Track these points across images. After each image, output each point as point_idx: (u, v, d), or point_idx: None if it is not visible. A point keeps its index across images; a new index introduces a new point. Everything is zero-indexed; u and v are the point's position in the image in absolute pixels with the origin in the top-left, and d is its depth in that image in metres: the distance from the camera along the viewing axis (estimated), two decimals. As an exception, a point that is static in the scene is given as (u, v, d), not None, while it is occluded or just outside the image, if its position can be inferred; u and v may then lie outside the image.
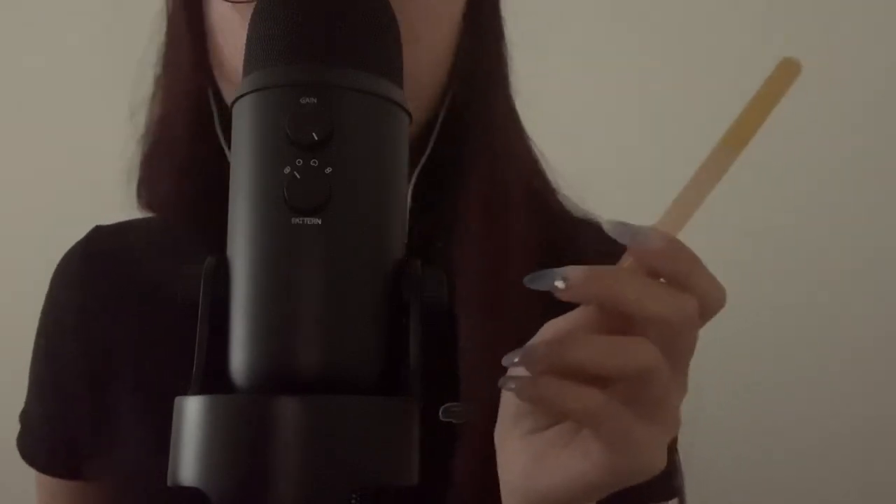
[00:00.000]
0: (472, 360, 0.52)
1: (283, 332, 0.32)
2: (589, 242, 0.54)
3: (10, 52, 1.41)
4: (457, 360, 0.53)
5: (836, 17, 1.29)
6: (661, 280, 0.38)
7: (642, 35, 1.32)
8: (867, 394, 1.28)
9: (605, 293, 0.37)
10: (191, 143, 0.58)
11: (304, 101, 0.33)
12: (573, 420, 0.39)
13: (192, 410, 0.31)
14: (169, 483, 0.31)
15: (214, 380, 0.33)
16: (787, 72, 0.41)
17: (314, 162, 0.32)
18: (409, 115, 0.36)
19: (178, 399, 0.32)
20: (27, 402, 0.69)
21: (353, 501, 0.40)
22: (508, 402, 0.42)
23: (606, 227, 0.38)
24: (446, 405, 0.48)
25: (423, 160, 0.54)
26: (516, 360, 0.37)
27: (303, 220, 0.32)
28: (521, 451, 0.41)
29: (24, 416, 0.69)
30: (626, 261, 0.39)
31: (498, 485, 0.43)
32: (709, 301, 0.38)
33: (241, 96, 0.35)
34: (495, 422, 0.43)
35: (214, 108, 0.56)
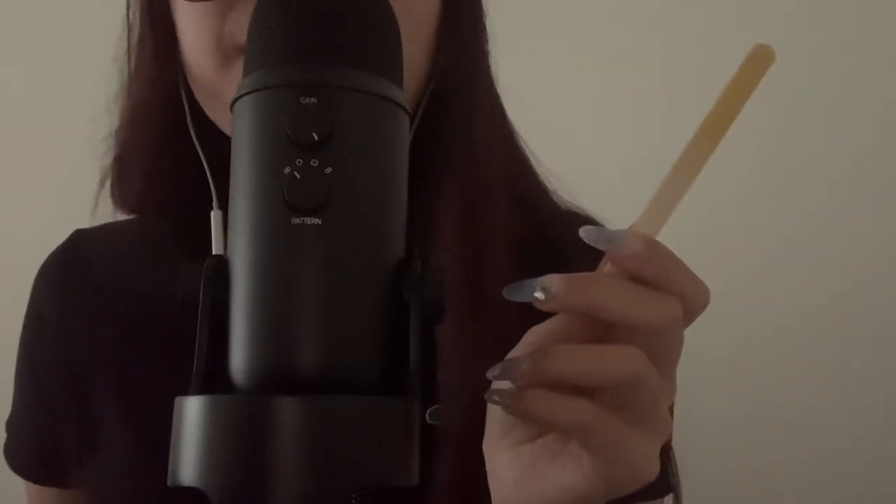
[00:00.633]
0: (451, 367, 0.51)
1: (283, 332, 0.32)
2: (577, 237, 0.53)
3: (10, 52, 1.41)
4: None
5: (837, 17, 1.29)
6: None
7: (636, 35, 1.32)
8: (867, 394, 1.28)
9: (587, 303, 0.36)
10: (162, 142, 0.58)
11: (304, 101, 0.33)
12: (563, 433, 0.39)
13: (191, 410, 0.31)
14: (169, 483, 0.31)
15: (214, 380, 0.33)
16: (760, 59, 0.39)
17: (314, 162, 0.32)
18: (410, 115, 0.36)
19: (178, 399, 0.32)
20: (12, 410, 0.67)
21: (353, 501, 0.40)
22: (495, 413, 0.41)
23: (582, 234, 0.37)
24: (433, 408, 0.48)
25: None
26: (498, 374, 0.36)
27: (303, 220, 0.32)
28: (510, 463, 0.40)
29: (10, 425, 0.68)
30: (606, 265, 0.38)
31: (480, 490, 0.42)
32: (692, 301, 0.37)
33: (242, 96, 0.35)
34: (476, 428, 0.42)
35: (186, 106, 0.55)
